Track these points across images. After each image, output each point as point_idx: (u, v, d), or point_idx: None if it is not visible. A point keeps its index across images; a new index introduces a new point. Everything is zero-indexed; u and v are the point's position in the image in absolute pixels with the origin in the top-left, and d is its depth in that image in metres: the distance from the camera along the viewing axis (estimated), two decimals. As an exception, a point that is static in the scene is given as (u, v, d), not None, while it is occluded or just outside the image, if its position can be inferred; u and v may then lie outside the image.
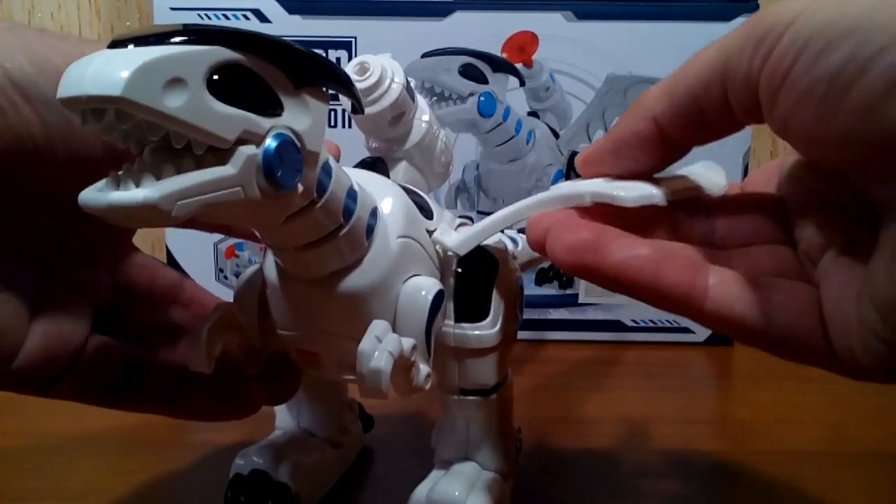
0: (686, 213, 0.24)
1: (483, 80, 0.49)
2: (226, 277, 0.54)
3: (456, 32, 0.51)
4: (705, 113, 0.21)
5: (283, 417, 0.33)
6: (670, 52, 0.51)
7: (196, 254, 0.53)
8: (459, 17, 0.51)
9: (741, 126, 0.21)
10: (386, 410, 0.40)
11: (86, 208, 0.17)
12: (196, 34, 0.17)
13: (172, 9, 0.51)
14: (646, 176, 0.23)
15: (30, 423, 0.40)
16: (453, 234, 0.27)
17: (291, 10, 0.51)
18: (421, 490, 0.28)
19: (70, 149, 0.22)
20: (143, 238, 0.35)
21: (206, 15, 0.51)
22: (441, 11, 0.51)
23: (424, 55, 0.48)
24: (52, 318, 0.24)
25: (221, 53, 0.17)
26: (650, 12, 0.51)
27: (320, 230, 0.22)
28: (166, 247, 0.53)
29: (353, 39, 0.51)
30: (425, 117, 0.31)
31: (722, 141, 0.22)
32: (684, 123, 0.21)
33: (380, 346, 0.22)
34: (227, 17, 0.51)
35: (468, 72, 0.49)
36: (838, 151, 0.18)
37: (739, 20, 0.51)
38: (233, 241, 0.54)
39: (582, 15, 0.51)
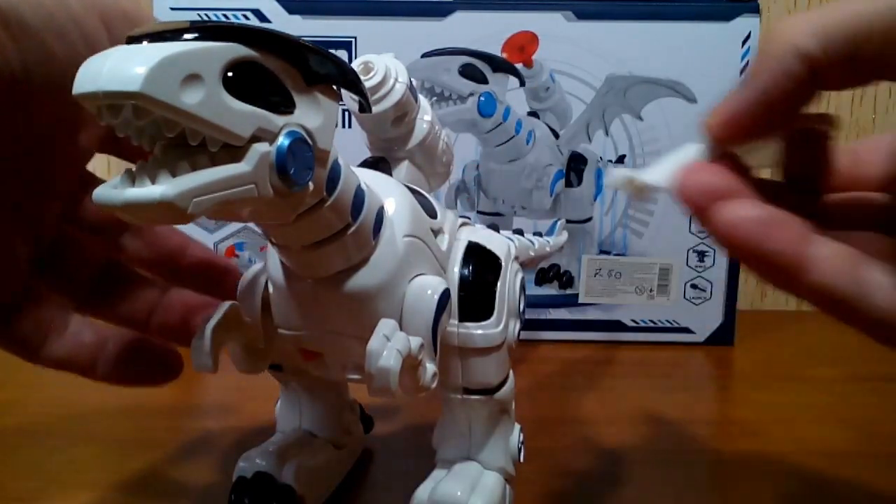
0: (797, 192, 0.23)
1: (483, 80, 0.49)
2: (226, 277, 0.54)
3: (456, 32, 0.51)
4: (858, 62, 0.19)
5: (285, 419, 0.33)
6: (670, 52, 0.51)
7: (196, 254, 0.53)
8: (459, 17, 0.51)
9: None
10: (386, 411, 0.40)
11: (101, 205, 0.17)
12: (212, 31, 0.17)
13: (172, 9, 0.51)
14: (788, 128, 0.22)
15: (30, 422, 0.40)
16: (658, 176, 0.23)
17: (291, 10, 0.51)
18: (423, 490, 0.28)
19: (47, 80, 0.22)
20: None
21: (205, 15, 0.51)
22: (441, 11, 0.51)
23: (424, 55, 0.48)
24: None
25: (237, 50, 0.17)
26: (650, 12, 0.51)
27: (328, 229, 0.22)
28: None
29: (353, 39, 0.51)
30: (427, 117, 0.31)
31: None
32: (841, 65, 0.19)
33: (388, 345, 0.22)
34: (226, 17, 0.51)
35: (468, 72, 0.49)
36: None
37: (739, 20, 0.51)
38: (233, 241, 0.54)
39: (582, 15, 0.51)
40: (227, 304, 0.25)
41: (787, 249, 0.19)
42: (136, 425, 0.40)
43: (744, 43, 0.51)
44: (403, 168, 0.31)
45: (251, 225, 0.53)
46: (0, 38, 0.21)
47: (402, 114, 0.29)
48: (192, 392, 0.44)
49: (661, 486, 0.35)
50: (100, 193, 0.17)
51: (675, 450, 0.38)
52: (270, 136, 0.18)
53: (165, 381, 0.29)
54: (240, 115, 0.17)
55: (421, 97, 0.31)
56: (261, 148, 0.18)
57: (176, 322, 0.28)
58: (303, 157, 0.19)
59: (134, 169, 0.17)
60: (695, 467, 0.36)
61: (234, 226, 0.53)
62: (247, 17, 0.51)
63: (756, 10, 0.51)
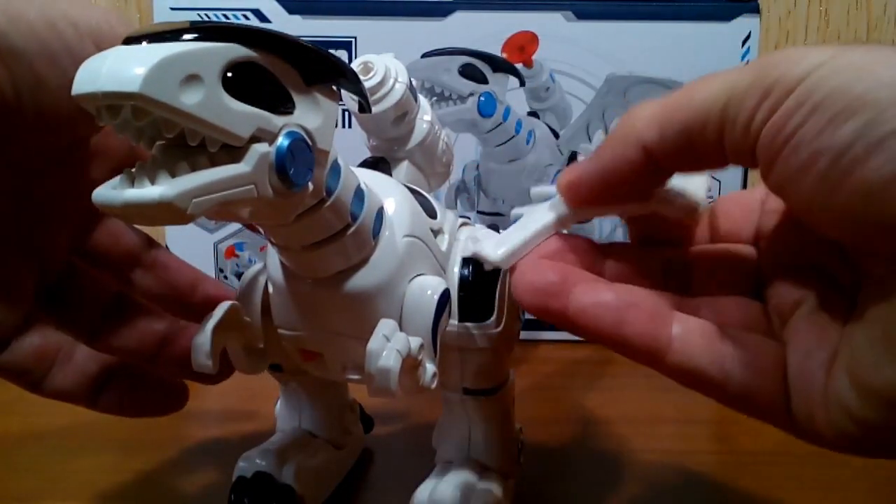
0: (665, 251, 0.24)
1: (483, 80, 0.49)
2: (226, 277, 0.54)
3: (456, 32, 0.51)
4: (697, 149, 0.19)
5: (285, 419, 0.33)
6: (670, 52, 0.51)
7: (196, 254, 0.53)
8: (459, 17, 0.51)
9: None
10: (386, 411, 0.40)
11: (100, 206, 0.17)
12: (211, 31, 0.17)
13: (172, 9, 0.51)
14: (634, 201, 0.23)
15: (30, 423, 0.40)
16: (496, 249, 0.24)
17: (291, 10, 0.51)
18: (423, 491, 0.28)
19: (39, 105, 0.22)
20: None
21: (205, 15, 0.51)
22: (441, 11, 0.51)
23: (424, 55, 0.48)
24: None
25: (237, 51, 0.17)
26: (650, 12, 0.51)
27: (328, 229, 0.22)
28: (166, 246, 0.53)
29: (353, 39, 0.51)
30: (427, 117, 0.31)
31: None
32: (676, 154, 0.20)
33: (388, 346, 0.22)
34: (226, 17, 0.51)
35: (468, 72, 0.49)
36: (836, 224, 0.17)
37: (739, 20, 0.51)
38: (233, 241, 0.54)
39: (582, 15, 0.51)
40: (227, 304, 0.25)
41: (643, 333, 0.20)
42: (135, 425, 0.40)
43: (744, 43, 0.51)
44: (403, 168, 0.31)
45: (251, 225, 0.53)
46: None
47: (402, 114, 0.29)
48: (192, 392, 0.44)
49: (661, 486, 0.35)
50: (99, 194, 0.17)
51: (675, 450, 0.38)
52: (270, 137, 0.18)
53: (169, 412, 0.29)
54: (239, 115, 0.17)
55: (421, 97, 0.31)
56: (260, 148, 0.18)
57: (186, 356, 0.28)
58: (302, 157, 0.19)
59: (133, 170, 0.17)
60: (695, 467, 0.36)
61: (234, 226, 0.53)
62: (247, 17, 0.51)
63: (756, 10, 0.51)
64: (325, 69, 0.20)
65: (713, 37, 0.51)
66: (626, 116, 0.21)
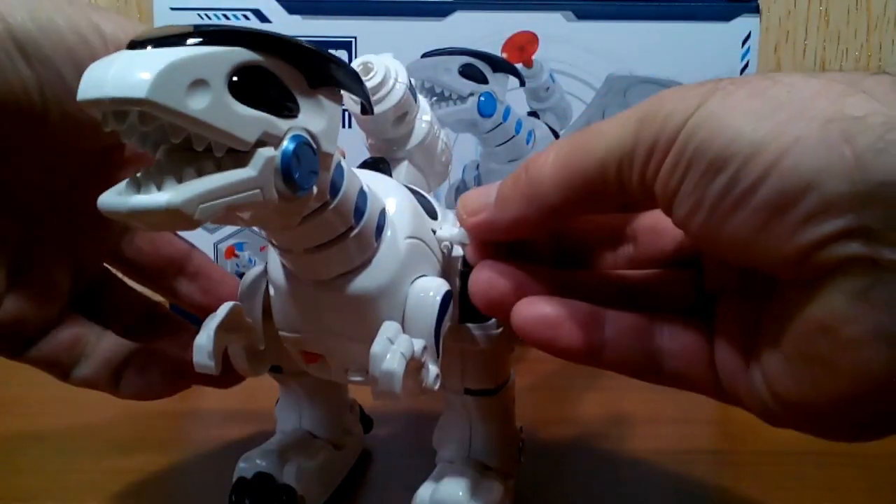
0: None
1: (483, 80, 0.49)
2: (226, 277, 0.54)
3: (456, 32, 0.51)
4: (604, 202, 0.21)
5: (285, 420, 0.33)
6: (670, 52, 0.51)
7: (196, 254, 0.53)
8: (459, 17, 0.51)
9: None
10: (386, 411, 0.40)
11: (106, 212, 0.16)
12: (216, 35, 0.17)
13: (172, 9, 0.51)
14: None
15: (30, 423, 0.40)
16: (454, 229, 0.27)
17: (291, 10, 0.51)
18: (424, 491, 0.28)
19: (64, 111, 0.22)
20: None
21: (205, 15, 0.51)
22: (441, 11, 0.51)
23: (424, 55, 0.48)
24: (30, 286, 0.24)
25: (242, 55, 0.17)
26: (650, 12, 0.51)
27: (331, 232, 0.22)
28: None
29: (353, 39, 0.51)
30: (426, 117, 0.31)
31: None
32: (581, 210, 0.22)
33: (392, 348, 0.22)
34: (226, 17, 0.51)
35: (468, 72, 0.49)
36: (725, 255, 0.19)
37: (739, 20, 0.51)
38: (233, 241, 0.54)
39: (582, 15, 0.51)
40: (230, 305, 0.25)
41: (576, 343, 0.22)
42: (136, 425, 0.40)
43: (744, 43, 0.51)
44: (403, 168, 0.31)
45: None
46: (20, 69, 0.21)
47: (403, 114, 0.29)
48: (192, 392, 0.44)
49: (661, 486, 0.35)
50: (105, 200, 0.17)
51: (675, 450, 0.38)
52: (275, 141, 0.18)
53: (180, 389, 0.29)
54: (245, 119, 0.17)
55: (420, 97, 0.31)
56: (266, 153, 0.18)
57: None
58: (307, 161, 0.19)
59: (139, 175, 0.17)
60: (695, 467, 0.36)
61: (234, 227, 0.53)
62: (247, 18, 0.51)
63: (756, 10, 0.51)
64: (329, 72, 0.20)
65: (713, 37, 0.51)
66: (530, 170, 0.22)
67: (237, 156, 0.18)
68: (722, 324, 0.21)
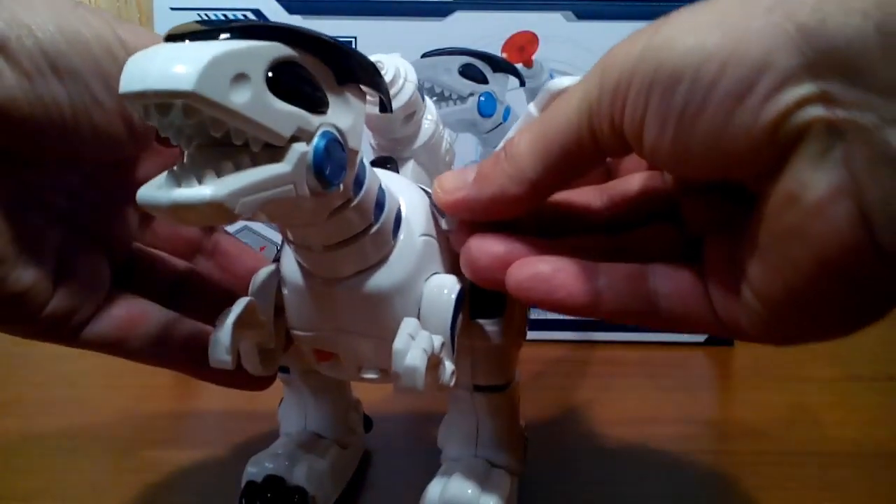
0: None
1: (483, 80, 0.49)
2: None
3: (456, 32, 0.51)
4: (581, 165, 0.22)
5: (289, 421, 0.33)
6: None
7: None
8: (459, 17, 0.51)
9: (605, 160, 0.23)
10: (386, 411, 0.40)
11: (146, 207, 0.16)
12: (252, 30, 0.17)
13: (172, 9, 0.51)
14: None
15: (30, 423, 0.40)
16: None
17: (292, 10, 0.51)
18: (434, 489, 0.28)
19: (94, 123, 0.22)
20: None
21: (206, 15, 0.51)
22: (441, 11, 0.51)
23: (424, 55, 0.48)
24: (76, 274, 0.24)
25: (279, 49, 0.17)
26: (650, 12, 0.51)
27: (352, 229, 0.22)
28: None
29: (353, 39, 0.51)
30: (431, 117, 0.31)
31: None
32: (560, 178, 0.22)
33: (414, 344, 0.22)
34: (226, 17, 0.51)
35: (468, 72, 0.49)
36: (699, 171, 0.20)
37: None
38: (233, 240, 0.54)
39: (582, 15, 0.51)
40: (245, 300, 0.25)
41: (573, 295, 0.22)
42: (136, 425, 0.40)
43: (744, 43, 0.51)
44: (409, 168, 0.31)
45: (251, 225, 0.53)
46: (51, 83, 0.21)
47: (411, 113, 0.30)
48: (193, 392, 0.44)
49: (661, 486, 0.35)
50: (144, 195, 0.16)
51: (675, 450, 0.38)
52: (307, 137, 0.18)
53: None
54: (282, 114, 0.17)
55: (426, 97, 0.31)
56: (300, 148, 0.18)
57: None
58: (337, 157, 0.19)
59: (175, 170, 0.17)
60: (695, 467, 0.36)
61: (234, 225, 0.53)
62: (247, 18, 0.51)
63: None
64: (357, 69, 0.20)
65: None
66: (505, 159, 0.22)
67: (272, 151, 0.18)
68: (711, 262, 0.22)
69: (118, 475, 0.35)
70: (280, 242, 0.29)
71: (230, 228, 0.53)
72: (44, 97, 0.21)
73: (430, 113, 0.31)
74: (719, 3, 0.18)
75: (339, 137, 0.19)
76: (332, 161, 0.19)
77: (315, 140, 0.18)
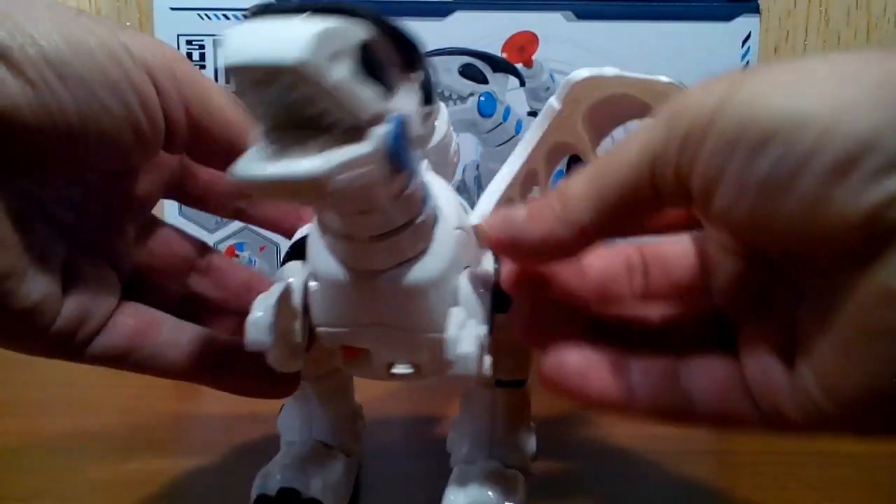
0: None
1: (483, 80, 0.49)
2: (226, 277, 0.54)
3: (456, 32, 0.51)
4: (636, 213, 0.20)
5: (292, 429, 0.33)
6: (670, 52, 0.51)
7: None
8: (459, 17, 0.51)
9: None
10: (385, 412, 0.40)
11: (244, 182, 0.16)
12: (342, 9, 0.17)
13: (172, 9, 0.51)
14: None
15: (30, 423, 0.40)
16: (476, 215, 0.27)
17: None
18: (454, 497, 0.28)
19: (101, 130, 0.22)
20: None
21: (205, 15, 0.51)
22: (441, 11, 0.51)
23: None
24: (84, 288, 0.24)
25: (368, 30, 0.17)
26: (650, 12, 0.51)
27: (401, 219, 0.22)
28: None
29: (353, 39, 0.51)
30: (444, 117, 0.31)
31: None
32: (613, 226, 0.21)
33: (466, 332, 0.22)
34: (226, 17, 0.51)
35: (468, 72, 0.49)
36: (780, 243, 0.18)
37: (739, 20, 0.51)
38: (233, 241, 0.54)
39: (582, 15, 0.51)
40: (282, 284, 0.24)
41: (606, 393, 0.21)
42: (136, 426, 0.40)
43: (744, 43, 0.51)
44: (423, 167, 0.31)
45: (251, 225, 0.53)
46: (58, 92, 0.21)
47: (429, 112, 0.29)
48: (192, 393, 0.44)
49: (661, 486, 0.35)
50: (242, 170, 0.16)
51: (675, 450, 0.38)
52: (382, 120, 0.18)
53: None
54: (369, 95, 0.17)
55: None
56: (380, 130, 0.18)
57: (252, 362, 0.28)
58: (408, 140, 0.19)
59: (262, 147, 0.17)
60: (695, 467, 0.36)
61: (235, 226, 0.53)
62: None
63: (756, 10, 0.51)
64: (422, 59, 0.20)
65: (713, 37, 0.51)
66: (557, 200, 0.21)
67: (353, 133, 0.17)
68: (748, 345, 0.21)
69: (118, 476, 0.35)
70: (287, 247, 0.29)
71: (230, 228, 0.53)
72: (49, 105, 0.21)
73: (443, 113, 0.31)
74: (815, 67, 0.17)
75: (407, 122, 0.19)
76: (405, 144, 0.19)
77: (391, 123, 0.18)
